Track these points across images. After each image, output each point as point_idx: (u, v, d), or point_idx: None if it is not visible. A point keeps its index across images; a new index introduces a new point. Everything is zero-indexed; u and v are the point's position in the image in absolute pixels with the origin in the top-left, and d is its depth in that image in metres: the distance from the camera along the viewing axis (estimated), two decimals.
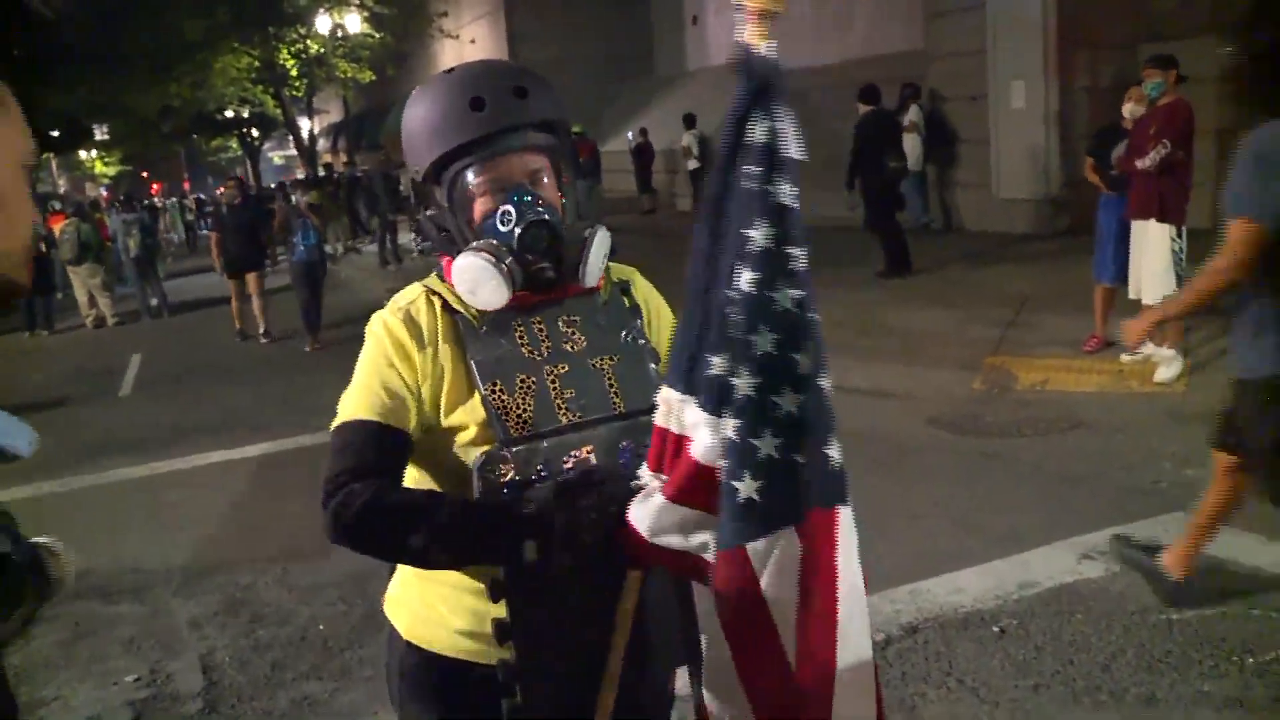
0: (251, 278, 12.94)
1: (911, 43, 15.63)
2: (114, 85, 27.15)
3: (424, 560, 1.68)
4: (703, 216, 1.52)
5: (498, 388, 1.71)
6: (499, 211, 1.72)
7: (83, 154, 51.62)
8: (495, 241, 1.70)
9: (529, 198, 1.72)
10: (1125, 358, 7.37)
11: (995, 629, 4.00)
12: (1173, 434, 6.02)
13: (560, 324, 1.78)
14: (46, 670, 4.54)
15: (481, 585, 1.72)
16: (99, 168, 55.98)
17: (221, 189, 15.91)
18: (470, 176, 1.74)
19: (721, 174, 1.49)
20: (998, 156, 13.41)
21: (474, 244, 1.71)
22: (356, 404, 1.71)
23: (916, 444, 6.43)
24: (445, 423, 1.73)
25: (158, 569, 5.56)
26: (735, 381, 1.43)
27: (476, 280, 1.67)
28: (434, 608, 1.82)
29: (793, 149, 1.44)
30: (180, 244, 34.52)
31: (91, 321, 16.51)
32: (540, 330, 1.77)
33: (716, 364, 1.46)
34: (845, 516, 1.52)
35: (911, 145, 13.80)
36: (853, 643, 1.52)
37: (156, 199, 51.81)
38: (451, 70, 1.80)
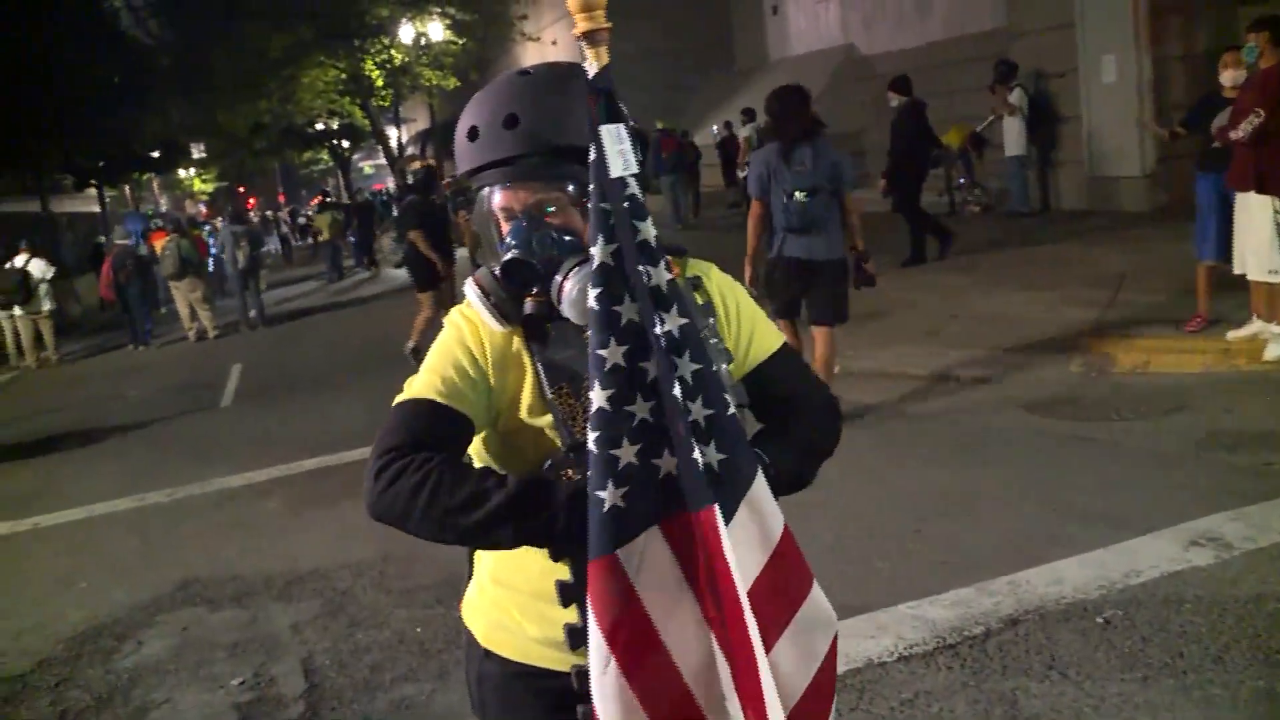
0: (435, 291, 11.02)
1: (995, 21, 15.31)
2: (207, 105, 27.91)
3: (480, 534, 1.60)
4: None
5: (565, 391, 1.71)
6: (504, 240, 1.73)
7: (181, 172, 53.16)
8: (495, 271, 1.71)
9: (521, 227, 1.71)
10: (1231, 335, 7.11)
11: (1099, 620, 3.88)
12: None
13: None
14: (156, 674, 4.67)
15: (552, 589, 1.70)
16: (197, 185, 57.54)
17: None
18: (485, 196, 1.76)
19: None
20: (1089, 134, 13.07)
21: (482, 272, 1.73)
22: (420, 385, 1.72)
23: (1012, 430, 6.28)
24: (514, 423, 1.73)
25: (258, 575, 5.68)
26: (590, 395, 1.48)
27: (477, 309, 1.72)
28: (508, 614, 1.81)
29: (614, 167, 1.49)
30: (277, 255, 35.38)
31: (194, 335, 16.98)
32: None
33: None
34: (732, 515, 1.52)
35: (1012, 128, 13.48)
36: (785, 640, 1.55)
37: (253, 212, 53.20)
38: (492, 84, 1.78)
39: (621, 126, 1.51)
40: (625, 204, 1.50)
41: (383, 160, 40.33)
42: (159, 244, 18.16)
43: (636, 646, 1.49)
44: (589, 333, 1.50)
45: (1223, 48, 7.52)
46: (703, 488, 1.49)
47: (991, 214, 14.71)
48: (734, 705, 1.50)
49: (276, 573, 5.66)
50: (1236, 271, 6.98)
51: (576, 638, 1.61)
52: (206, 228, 26.42)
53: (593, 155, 1.51)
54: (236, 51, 25.38)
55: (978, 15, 16.20)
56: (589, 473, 1.47)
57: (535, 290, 1.69)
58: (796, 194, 6.34)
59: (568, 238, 1.71)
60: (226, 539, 6.42)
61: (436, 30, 25.97)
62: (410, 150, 35.29)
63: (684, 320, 1.50)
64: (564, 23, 27.42)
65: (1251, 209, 6.71)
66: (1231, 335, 7.12)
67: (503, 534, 1.57)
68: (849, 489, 5.21)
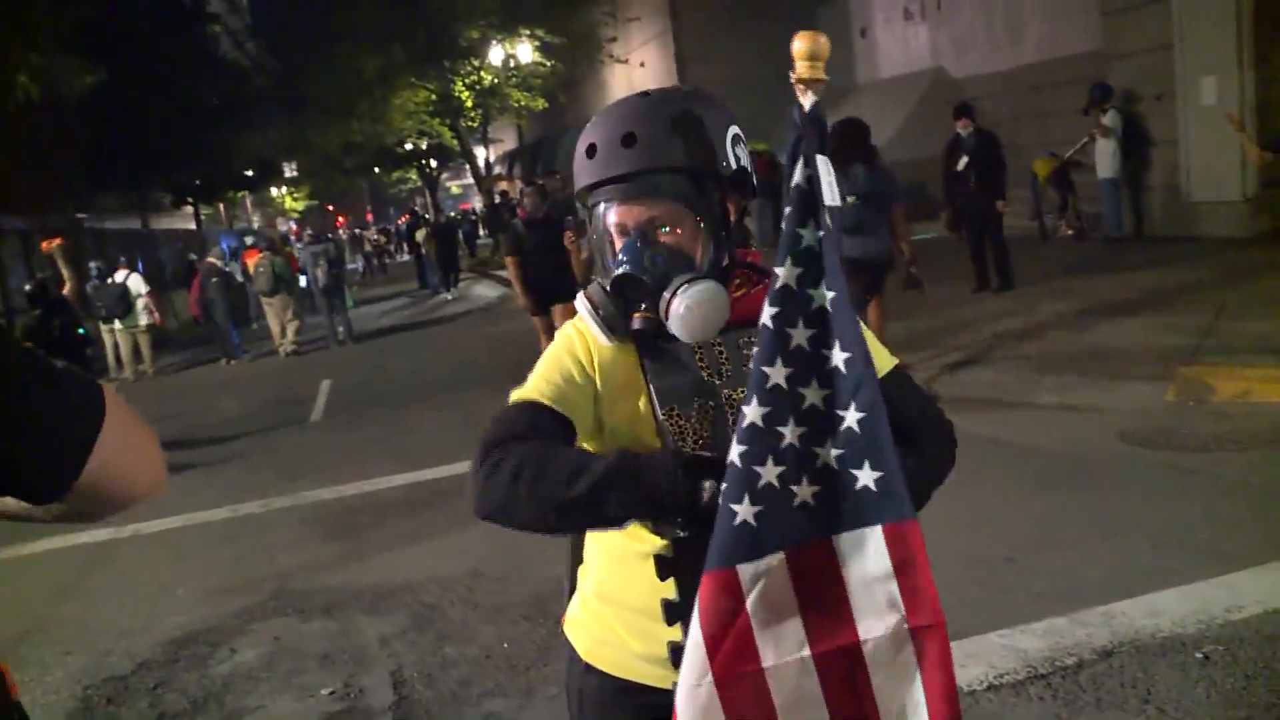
0: (559, 310, 10.15)
1: (1090, 43, 15.06)
2: (300, 125, 28.56)
3: (584, 508, 1.56)
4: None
5: (675, 413, 1.73)
6: (617, 256, 1.75)
7: (273, 191, 54.47)
8: (607, 287, 1.73)
9: (633, 243, 1.73)
10: None
11: (1199, 655, 3.77)
12: None
13: (740, 347, 1.77)
14: (249, 681, 4.77)
15: (658, 606, 1.72)
16: (288, 203, 58.89)
17: (512, 191, 14.09)
18: (601, 213, 1.79)
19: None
20: (1188, 157, 12.77)
21: (593, 286, 1.76)
22: (526, 388, 1.75)
23: (1108, 459, 6.15)
24: (626, 441, 1.74)
25: (348, 587, 5.78)
26: (744, 409, 1.50)
27: (587, 321, 1.75)
28: (612, 630, 1.83)
29: (827, 196, 1.54)
30: (361, 274, 36.03)
31: (283, 351, 17.37)
32: (720, 353, 1.76)
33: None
34: (872, 536, 1.51)
35: (1105, 151, 13.27)
36: (887, 664, 1.53)
37: (342, 230, 54.28)
38: (613, 104, 1.82)
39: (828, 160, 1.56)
40: (831, 233, 1.54)
41: (470, 180, 40.89)
42: (252, 262, 18.66)
43: (735, 665, 1.50)
44: (755, 349, 1.53)
45: None
46: (846, 513, 1.50)
47: (1085, 238, 14.45)
48: None
49: (366, 586, 5.76)
50: None
51: (679, 657, 1.62)
52: (298, 245, 26.99)
53: (796, 179, 1.55)
54: (331, 73, 25.94)
55: (1072, 38, 15.94)
56: (724, 486, 1.49)
57: (644, 306, 1.71)
58: (849, 199, 7.58)
59: (678, 256, 1.73)
60: (317, 551, 6.55)
61: (525, 52, 26.34)
62: (498, 170, 35.73)
63: (849, 353, 1.52)
64: (652, 45, 27.61)
65: None
66: None
67: (606, 505, 1.55)
68: (942, 515, 5.10)
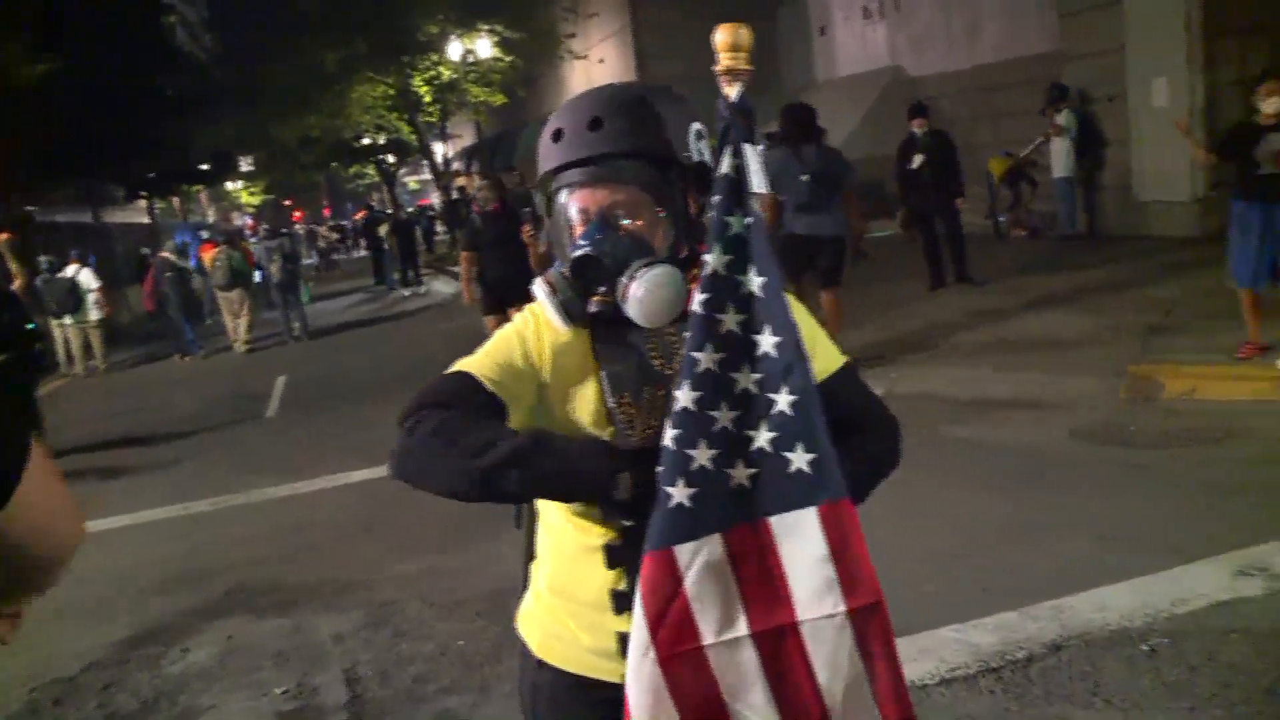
0: (515, 313, 10.30)
1: (1046, 44, 15.23)
2: (258, 118, 28.25)
3: (493, 479, 1.58)
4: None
5: (625, 400, 1.74)
6: (577, 241, 1.76)
7: (229, 184, 53.85)
8: (565, 271, 1.74)
9: (593, 226, 1.74)
10: None
11: (1145, 648, 3.84)
12: None
13: None
14: (202, 680, 4.74)
15: (608, 599, 1.73)
16: (245, 197, 58.27)
17: (470, 186, 12.73)
18: (563, 199, 1.80)
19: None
20: (1140, 158, 12.95)
21: (551, 271, 1.76)
22: (467, 360, 1.78)
23: (1059, 455, 6.23)
24: (575, 428, 1.76)
25: (303, 585, 5.74)
26: (677, 394, 1.53)
27: (544, 306, 1.74)
28: (564, 624, 1.84)
29: (755, 183, 1.57)
30: (315, 270, 35.75)
31: (239, 346, 17.21)
32: (674, 342, 1.77)
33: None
34: (807, 517, 1.54)
35: (1060, 150, 13.45)
36: (828, 645, 1.55)
37: (299, 225, 53.82)
38: (580, 94, 1.84)
39: (757, 149, 1.60)
40: (759, 219, 1.57)
41: (428, 175, 40.68)
42: (208, 256, 18.46)
43: (677, 644, 1.53)
44: (680, 333, 1.57)
45: (1262, 73, 7.43)
46: (781, 495, 1.53)
47: (1039, 237, 14.62)
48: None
49: (321, 583, 5.72)
50: None
51: (628, 645, 1.64)
52: (254, 239, 26.73)
53: (724, 168, 1.57)
54: (288, 66, 25.69)
55: (1028, 38, 16.10)
56: (660, 469, 1.52)
57: (602, 290, 1.72)
58: (803, 177, 8.15)
59: (638, 241, 1.74)
60: (272, 549, 6.50)
61: (485, 47, 26.18)
62: (456, 166, 35.56)
63: (780, 338, 1.55)
64: (611, 41, 27.59)
65: None
66: None
67: (508, 481, 1.58)
68: (895, 511, 5.16)
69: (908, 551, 4.92)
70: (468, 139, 40.48)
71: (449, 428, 1.63)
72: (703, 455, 1.51)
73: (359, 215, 42.78)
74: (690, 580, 1.52)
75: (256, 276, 19.04)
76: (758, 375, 1.54)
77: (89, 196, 30.29)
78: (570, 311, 1.72)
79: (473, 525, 5.51)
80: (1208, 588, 4.22)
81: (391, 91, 28.37)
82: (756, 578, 1.54)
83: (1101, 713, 3.49)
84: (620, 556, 1.72)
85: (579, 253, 1.72)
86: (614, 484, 1.57)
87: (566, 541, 1.82)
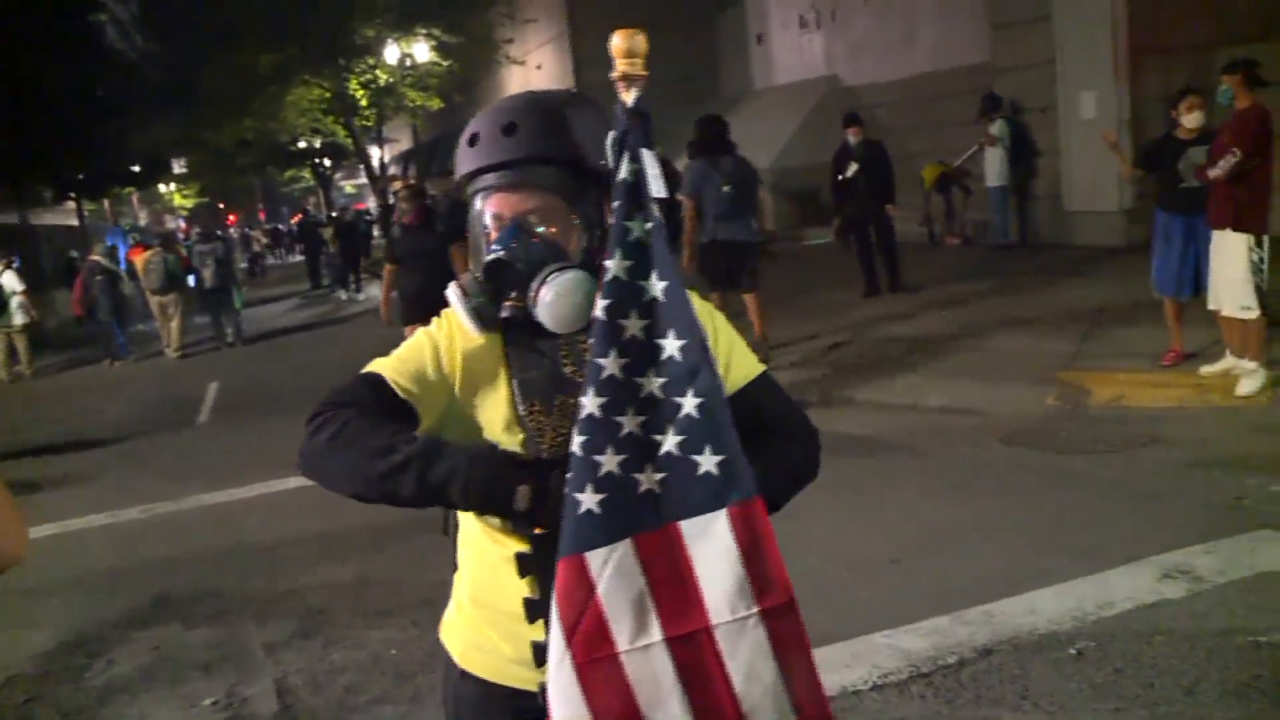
0: None
1: (979, 55, 15.47)
2: (191, 120, 27.81)
3: (387, 483, 1.59)
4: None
5: (536, 408, 1.74)
6: (492, 245, 1.76)
7: (161, 187, 52.94)
8: (479, 275, 1.74)
9: (508, 231, 1.74)
10: (1205, 370, 7.20)
11: (1072, 651, 3.91)
12: (1257, 448, 5.86)
13: None
14: (127, 693, 4.64)
15: (522, 607, 1.73)
16: (178, 200, 57.33)
17: (396, 192, 12.21)
18: (479, 204, 1.80)
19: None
20: (1069, 168, 13.21)
21: (465, 275, 1.77)
22: (379, 362, 1.78)
23: (990, 462, 6.33)
24: (485, 435, 1.76)
25: (234, 594, 5.65)
26: (583, 400, 1.53)
27: (456, 311, 1.75)
28: (485, 634, 1.83)
29: (654, 188, 1.56)
30: (246, 274, 35.26)
31: (172, 350, 16.90)
32: (585, 349, 1.75)
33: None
34: (718, 520, 1.54)
35: (994, 159, 13.67)
36: (743, 649, 1.55)
37: (233, 228, 53.05)
38: (502, 99, 1.84)
39: (654, 153, 1.59)
40: (659, 224, 1.56)
41: (364, 179, 40.30)
42: (139, 259, 18.08)
43: (590, 648, 1.53)
44: (590, 341, 1.55)
45: (1204, 89, 7.63)
46: (691, 499, 1.53)
47: (972, 246, 14.83)
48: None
49: (252, 592, 5.64)
50: (1211, 307, 7.07)
51: (542, 655, 1.63)
52: (188, 243, 26.30)
53: (622, 173, 1.56)
54: (223, 68, 25.32)
55: (962, 49, 16.35)
56: (569, 474, 1.52)
57: (514, 295, 1.72)
58: (725, 188, 8.58)
59: (552, 247, 1.74)
60: (203, 557, 6.38)
61: (422, 51, 25.99)
62: (393, 170, 35.28)
63: (684, 341, 1.54)
64: (549, 47, 27.56)
65: (1227, 247, 6.81)
66: (1205, 370, 7.21)
67: (402, 486, 1.58)
68: (827, 519, 5.22)
69: (840, 558, 4.97)
70: (405, 143, 40.16)
71: (351, 429, 1.63)
72: (610, 461, 1.51)
73: (295, 219, 42.30)
74: (603, 587, 1.52)
75: (189, 280, 18.71)
76: (662, 379, 1.54)
77: (15, 198, 29.59)
78: (482, 316, 1.72)
79: (405, 533, 5.46)
80: (1133, 591, 4.30)
81: (328, 95, 28.06)
82: (668, 582, 1.54)
83: (1030, 715, 3.55)
84: (531, 565, 1.71)
85: (491, 257, 1.72)
86: (512, 494, 1.56)
87: (484, 551, 1.82)
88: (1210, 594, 4.17)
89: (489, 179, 1.76)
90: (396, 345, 1.85)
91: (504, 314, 1.74)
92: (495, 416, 1.76)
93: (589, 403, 1.52)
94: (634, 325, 1.53)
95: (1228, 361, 7.06)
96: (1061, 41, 12.92)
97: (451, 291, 1.74)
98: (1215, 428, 6.41)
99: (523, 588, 1.73)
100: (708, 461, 1.53)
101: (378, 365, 1.77)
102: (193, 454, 9.54)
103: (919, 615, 4.30)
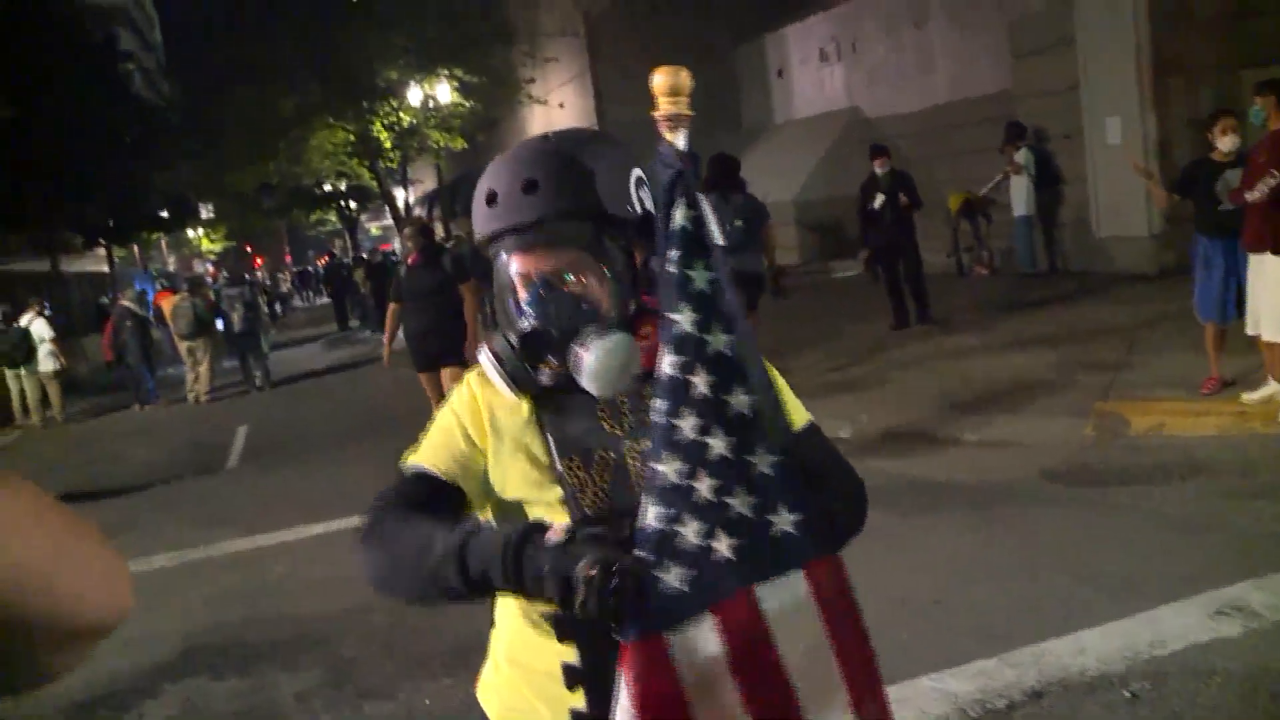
0: (451, 374, 8.50)
1: (999, 84, 15.42)
2: (217, 164, 28.08)
3: (440, 586, 1.49)
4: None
5: (574, 463, 1.67)
6: (522, 306, 1.70)
7: (189, 231, 53.45)
8: (512, 340, 1.67)
9: (539, 295, 1.67)
10: (1246, 398, 7.05)
11: (1126, 693, 3.78)
12: None
13: (643, 396, 1.69)
14: None
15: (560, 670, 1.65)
16: (205, 244, 57.82)
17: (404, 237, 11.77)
18: (503, 261, 1.72)
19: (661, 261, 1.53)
20: (1096, 194, 13.11)
21: (496, 339, 1.70)
22: (418, 454, 1.73)
23: (1030, 495, 6.20)
24: (523, 495, 1.69)
25: (263, 642, 5.58)
26: (656, 466, 1.43)
27: (491, 377, 1.69)
28: (522, 695, 1.76)
29: (714, 234, 1.49)
30: (277, 315, 35.52)
31: (193, 398, 16.95)
32: (622, 402, 1.70)
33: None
34: (794, 581, 1.47)
35: (1019, 188, 13.60)
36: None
37: (260, 271, 53.49)
38: (512, 150, 1.75)
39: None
40: (723, 273, 1.49)
41: (389, 221, 40.55)
42: (167, 304, 18.20)
43: None
44: (657, 400, 1.46)
45: (1215, 112, 7.54)
46: (767, 562, 1.45)
47: (1000, 275, 14.72)
48: None
49: (282, 640, 5.57)
50: (1250, 333, 6.94)
51: None
52: (215, 287, 26.49)
53: (678, 220, 1.48)
54: (247, 112, 25.59)
55: (981, 78, 16.31)
56: (643, 550, 1.41)
57: (552, 359, 1.66)
58: (736, 222, 9.07)
59: (585, 305, 1.67)
60: (232, 605, 6.33)
61: (444, 92, 26.18)
62: (418, 211, 35.49)
63: (754, 396, 1.47)
64: (571, 86, 27.69)
65: (1266, 270, 6.68)
66: (1246, 398, 7.06)
67: (453, 578, 1.47)
68: (868, 557, 5.10)
69: (881, 596, 4.84)
70: (429, 184, 40.43)
71: (390, 538, 1.58)
72: (689, 530, 1.42)
73: (321, 261, 42.57)
74: (683, 667, 1.42)
75: (218, 324, 18.81)
76: (732, 438, 1.45)
77: (46, 244, 29.90)
78: (519, 381, 1.66)
79: None
80: (1186, 629, 4.17)
81: (351, 137, 28.29)
82: (750, 658, 1.45)
83: None
84: (570, 629, 1.63)
85: (526, 327, 1.66)
86: (560, 585, 1.38)
87: (520, 610, 1.75)
88: (1268, 631, 4.03)
89: (512, 240, 1.68)
90: (418, 387, 1.81)
91: (544, 381, 1.68)
92: (531, 475, 1.69)
93: (663, 468, 1.43)
94: (701, 382, 1.45)
95: (1270, 388, 6.91)
96: (1085, 67, 12.85)
97: (484, 357, 1.68)
98: (1258, 456, 6.27)
99: (562, 651, 1.66)
100: (783, 521, 1.45)
101: (416, 458, 1.72)
102: (221, 499, 9.52)
103: (964, 657, 4.18)
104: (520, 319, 1.68)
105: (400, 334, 9.00)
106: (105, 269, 36.09)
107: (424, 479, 1.68)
